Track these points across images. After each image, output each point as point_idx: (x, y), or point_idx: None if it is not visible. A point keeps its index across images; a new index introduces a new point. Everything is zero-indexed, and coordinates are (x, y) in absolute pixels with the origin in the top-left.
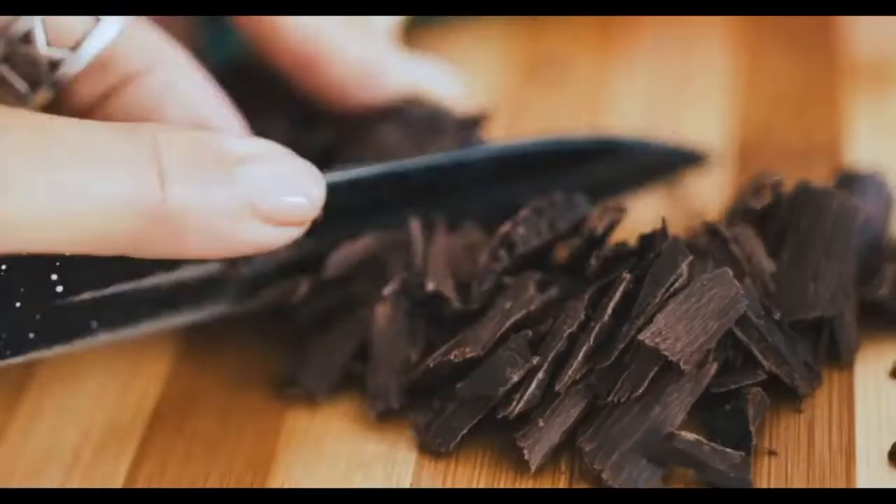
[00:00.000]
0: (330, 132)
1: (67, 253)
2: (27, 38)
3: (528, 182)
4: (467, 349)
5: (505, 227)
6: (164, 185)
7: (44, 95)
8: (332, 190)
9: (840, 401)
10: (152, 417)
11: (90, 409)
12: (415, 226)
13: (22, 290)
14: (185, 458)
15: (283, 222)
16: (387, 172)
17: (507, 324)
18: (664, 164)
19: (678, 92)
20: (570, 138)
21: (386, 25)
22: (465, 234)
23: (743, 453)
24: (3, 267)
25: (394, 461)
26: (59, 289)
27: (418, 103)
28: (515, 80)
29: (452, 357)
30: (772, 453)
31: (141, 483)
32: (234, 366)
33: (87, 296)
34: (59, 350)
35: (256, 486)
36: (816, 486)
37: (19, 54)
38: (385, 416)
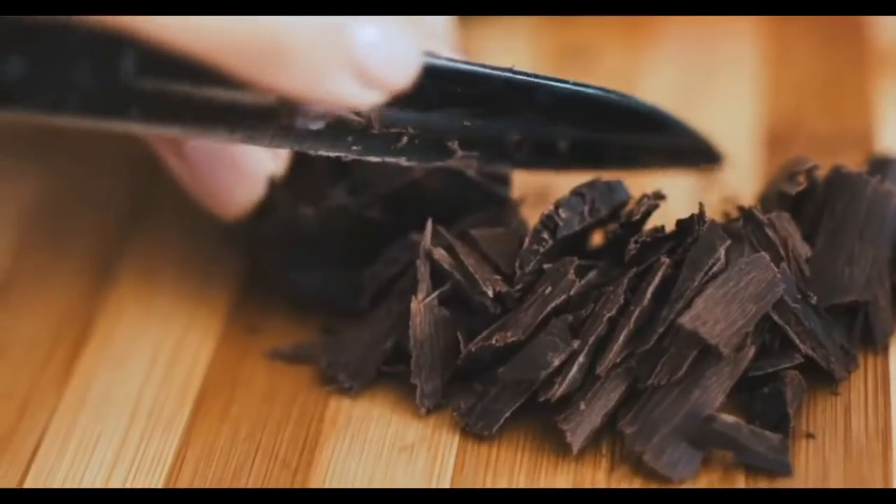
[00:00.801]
0: None
1: (179, 48)
2: None
3: (571, 126)
4: (509, 334)
5: (548, 210)
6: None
7: None
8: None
9: (875, 384)
10: (197, 401)
11: (135, 394)
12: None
13: (92, 55)
14: (231, 440)
15: (374, 82)
16: (474, 72)
17: (548, 308)
18: (688, 151)
19: (706, 81)
20: (633, 100)
21: (444, 27)
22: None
23: (781, 436)
24: (89, 31)
25: (437, 444)
26: (127, 68)
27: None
28: (544, 70)
29: (494, 342)
30: (809, 436)
31: (188, 466)
32: (275, 349)
33: (146, 83)
34: (92, 123)
35: (302, 467)
36: (853, 470)
37: None
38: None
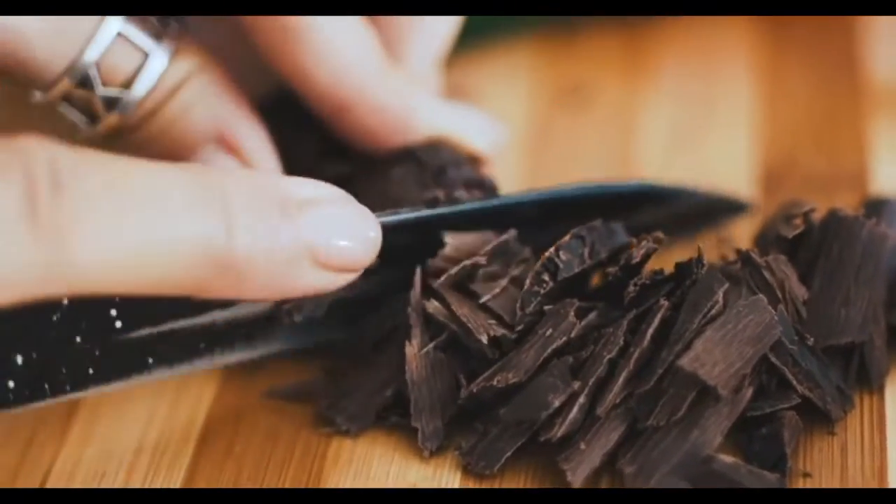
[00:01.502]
0: (348, 165)
1: (130, 295)
2: (84, 82)
3: (570, 226)
4: (510, 375)
5: (549, 252)
6: (230, 234)
7: (106, 123)
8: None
9: (871, 424)
10: (200, 439)
11: (139, 433)
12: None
13: (82, 325)
14: (235, 479)
15: (339, 268)
16: (435, 215)
17: (549, 350)
18: (706, 212)
19: (703, 118)
20: (614, 185)
21: (424, 59)
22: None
23: (779, 475)
24: (65, 303)
25: (439, 483)
26: (118, 324)
27: (436, 148)
28: (542, 107)
29: (496, 382)
30: (806, 475)
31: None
32: (276, 388)
33: (144, 332)
34: (116, 386)
35: None
36: None
37: (77, 95)
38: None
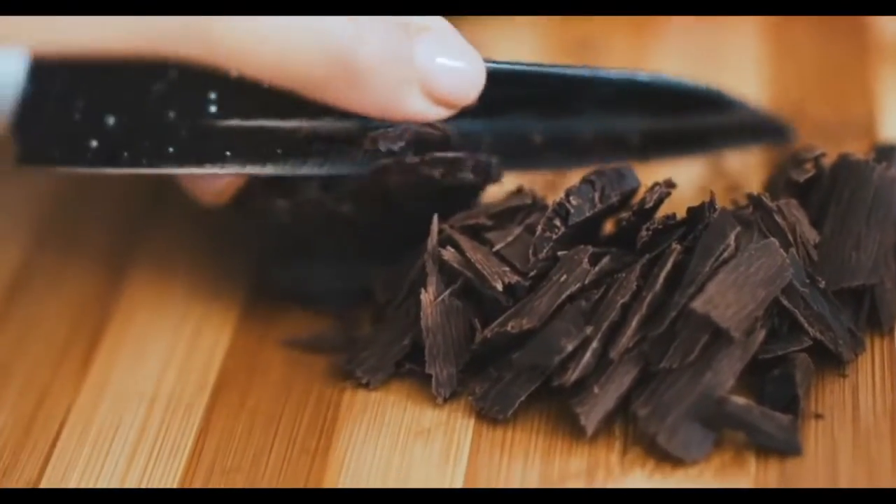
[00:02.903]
0: None
1: (257, 76)
2: None
3: (641, 117)
4: (524, 321)
5: (559, 197)
6: (359, 37)
7: None
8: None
9: (882, 365)
10: (214, 390)
11: (154, 382)
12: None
13: (179, 101)
14: (250, 426)
15: (444, 98)
16: (524, 72)
17: (563, 296)
18: (756, 130)
19: (711, 74)
20: (688, 83)
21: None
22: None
23: (791, 417)
24: (172, 76)
25: (453, 428)
26: (212, 109)
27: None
28: (550, 61)
29: (510, 328)
30: (818, 416)
31: (207, 454)
32: (290, 338)
33: (232, 123)
34: (188, 170)
35: (320, 452)
36: (862, 449)
37: None
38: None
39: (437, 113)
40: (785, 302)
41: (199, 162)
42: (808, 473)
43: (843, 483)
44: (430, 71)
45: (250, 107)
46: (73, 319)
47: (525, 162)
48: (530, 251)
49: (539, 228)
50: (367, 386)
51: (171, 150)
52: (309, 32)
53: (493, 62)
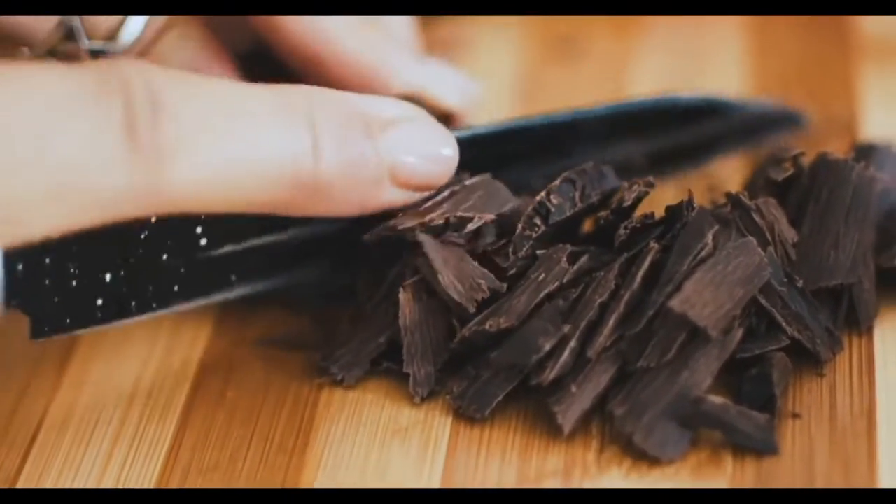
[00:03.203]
0: None
1: (220, 213)
2: (69, 34)
3: (638, 140)
4: (502, 319)
5: (539, 196)
6: (317, 152)
7: None
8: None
9: (860, 365)
10: (193, 387)
11: (132, 379)
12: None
13: (168, 243)
14: (227, 424)
15: (418, 186)
16: (507, 130)
17: (541, 295)
18: (764, 125)
19: (693, 70)
20: (678, 97)
21: (402, 23)
22: None
23: (768, 416)
24: (153, 221)
25: (430, 426)
26: (203, 242)
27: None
28: (532, 59)
29: (488, 327)
30: (795, 416)
31: (185, 450)
32: (269, 337)
33: (228, 249)
34: (198, 303)
35: (298, 450)
36: (839, 448)
37: (63, 49)
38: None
39: (413, 197)
40: (763, 301)
41: (207, 292)
42: (784, 473)
43: (820, 482)
44: (398, 165)
45: (240, 230)
46: None
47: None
48: (510, 250)
49: (519, 227)
50: (342, 383)
51: (175, 288)
52: (261, 161)
53: (471, 129)
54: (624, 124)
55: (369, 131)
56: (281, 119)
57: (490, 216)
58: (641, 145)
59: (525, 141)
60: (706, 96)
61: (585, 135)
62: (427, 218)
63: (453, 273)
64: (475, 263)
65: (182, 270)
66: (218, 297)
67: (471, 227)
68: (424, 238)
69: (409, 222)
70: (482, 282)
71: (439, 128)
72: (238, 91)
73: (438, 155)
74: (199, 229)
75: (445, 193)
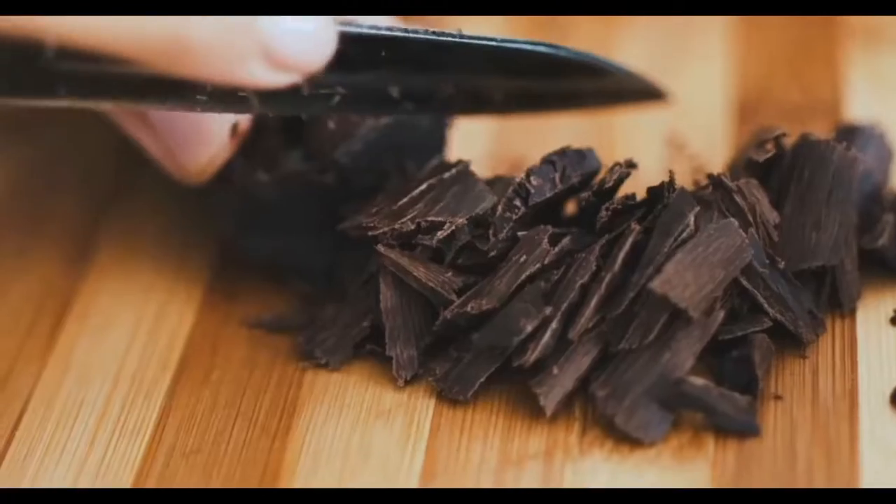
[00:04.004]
0: None
1: (95, 46)
2: None
3: (505, 78)
4: (483, 301)
5: (520, 177)
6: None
7: None
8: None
9: (842, 347)
10: (178, 368)
11: (117, 361)
12: None
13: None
14: (212, 406)
15: (289, 69)
16: (389, 36)
17: (522, 277)
18: (631, 92)
19: (679, 51)
20: (561, 49)
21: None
22: None
23: (750, 398)
24: None
25: (413, 409)
26: (50, 54)
27: None
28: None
29: (469, 309)
30: (777, 398)
31: (170, 431)
32: (254, 318)
33: (68, 66)
34: (17, 102)
35: (281, 432)
36: (821, 429)
37: None
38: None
39: (281, 79)
40: (744, 282)
41: (30, 94)
42: (766, 454)
43: (801, 464)
44: (272, 38)
45: (85, 55)
46: (39, 297)
47: (381, 109)
48: (490, 232)
49: (500, 208)
50: (325, 366)
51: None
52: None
53: (351, 25)
54: (503, 61)
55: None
56: None
57: (461, 220)
58: (509, 82)
59: (402, 50)
60: (589, 54)
61: (461, 60)
62: (398, 223)
63: (423, 277)
64: (442, 268)
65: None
66: (39, 104)
67: (441, 234)
68: (386, 251)
69: (380, 225)
70: (449, 274)
71: (320, 18)
72: None
73: (313, 34)
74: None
75: (423, 188)
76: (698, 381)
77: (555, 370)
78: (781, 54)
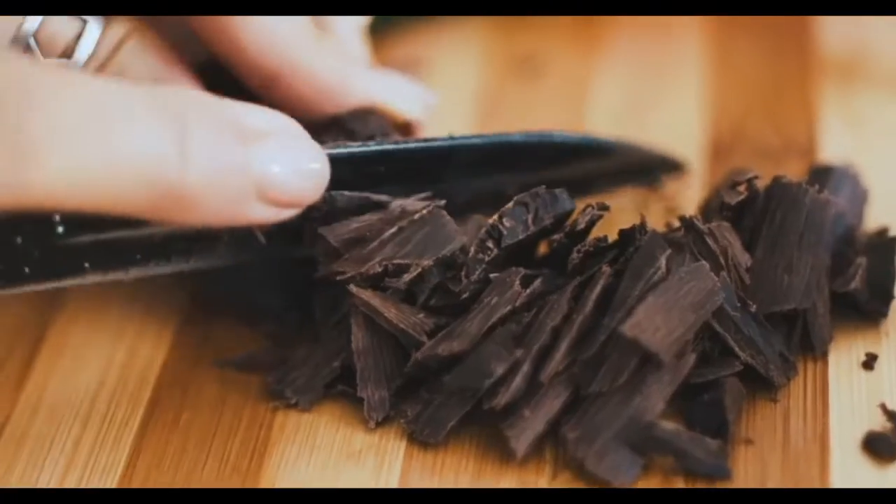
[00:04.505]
0: None
1: (84, 212)
2: (26, 51)
3: (513, 174)
4: (455, 343)
5: (492, 219)
6: (184, 158)
7: None
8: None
9: (814, 390)
10: (148, 408)
11: (88, 401)
12: None
13: (25, 227)
14: (182, 446)
15: (286, 203)
16: (384, 151)
17: (494, 319)
18: (643, 166)
19: (654, 88)
20: (558, 135)
21: (352, 30)
22: None
23: (721, 441)
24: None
25: (384, 451)
26: (60, 230)
27: (365, 116)
28: (494, 77)
29: (440, 351)
30: (748, 442)
31: (140, 471)
32: (226, 357)
33: (85, 239)
34: (49, 286)
35: (252, 472)
36: (791, 473)
37: None
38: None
39: (281, 215)
40: (716, 326)
41: (59, 277)
42: None
43: None
44: (266, 180)
45: (99, 222)
46: (9, 337)
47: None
48: (462, 273)
49: (472, 250)
50: (296, 406)
51: (26, 270)
52: (122, 165)
53: (346, 147)
54: (497, 156)
55: (243, 138)
56: (149, 122)
57: (428, 262)
58: (513, 177)
59: (399, 163)
60: (585, 136)
61: (460, 163)
62: (365, 267)
63: (395, 318)
64: (414, 310)
65: (36, 255)
66: (69, 283)
67: (407, 276)
68: (358, 292)
69: (348, 270)
70: (420, 315)
71: (310, 142)
72: (108, 87)
73: (307, 169)
74: (56, 217)
75: (393, 230)
76: (669, 424)
77: (526, 413)
78: (756, 93)
